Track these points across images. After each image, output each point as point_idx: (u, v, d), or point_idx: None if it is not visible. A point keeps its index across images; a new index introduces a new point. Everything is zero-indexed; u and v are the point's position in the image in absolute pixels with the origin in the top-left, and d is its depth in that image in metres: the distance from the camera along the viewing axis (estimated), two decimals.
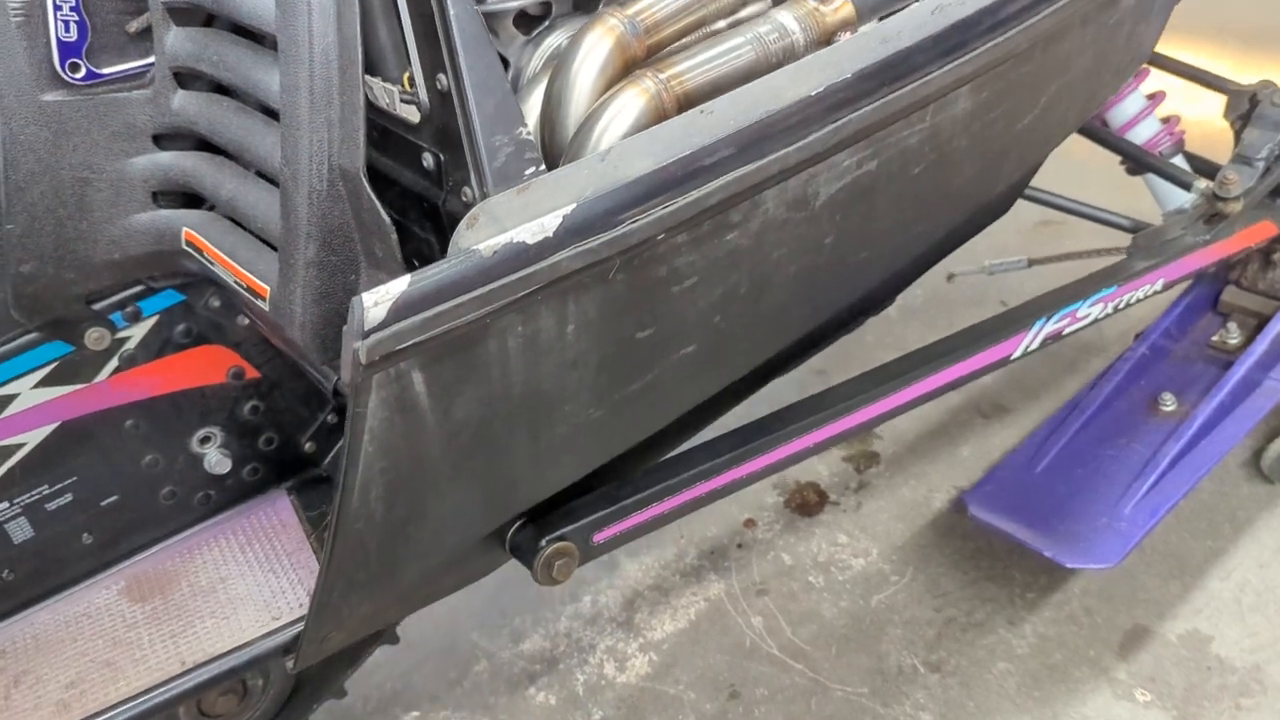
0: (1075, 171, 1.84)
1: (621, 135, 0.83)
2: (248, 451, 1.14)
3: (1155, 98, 1.53)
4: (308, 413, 1.15)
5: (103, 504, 1.06)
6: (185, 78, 0.91)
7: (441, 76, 0.76)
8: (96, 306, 0.99)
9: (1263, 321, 1.53)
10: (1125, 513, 1.39)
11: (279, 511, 1.13)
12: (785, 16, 0.92)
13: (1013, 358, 1.29)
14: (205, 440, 1.11)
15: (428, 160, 0.82)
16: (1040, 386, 1.99)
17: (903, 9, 0.93)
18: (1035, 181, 1.58)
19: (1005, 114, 1.04)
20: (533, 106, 0.90)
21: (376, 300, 0.71)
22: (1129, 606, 1.54)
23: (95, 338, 0.99)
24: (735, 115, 0.83)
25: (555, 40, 0.92)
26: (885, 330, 2.13)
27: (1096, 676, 1.46)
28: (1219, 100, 1.57)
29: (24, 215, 0.89)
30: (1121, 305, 1.38)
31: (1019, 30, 0.96)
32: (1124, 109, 1.53)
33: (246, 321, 1.08)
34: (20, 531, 1.02)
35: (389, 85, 0.83)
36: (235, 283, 0.88)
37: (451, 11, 0.73)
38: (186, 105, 0.90)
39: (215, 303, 1.05)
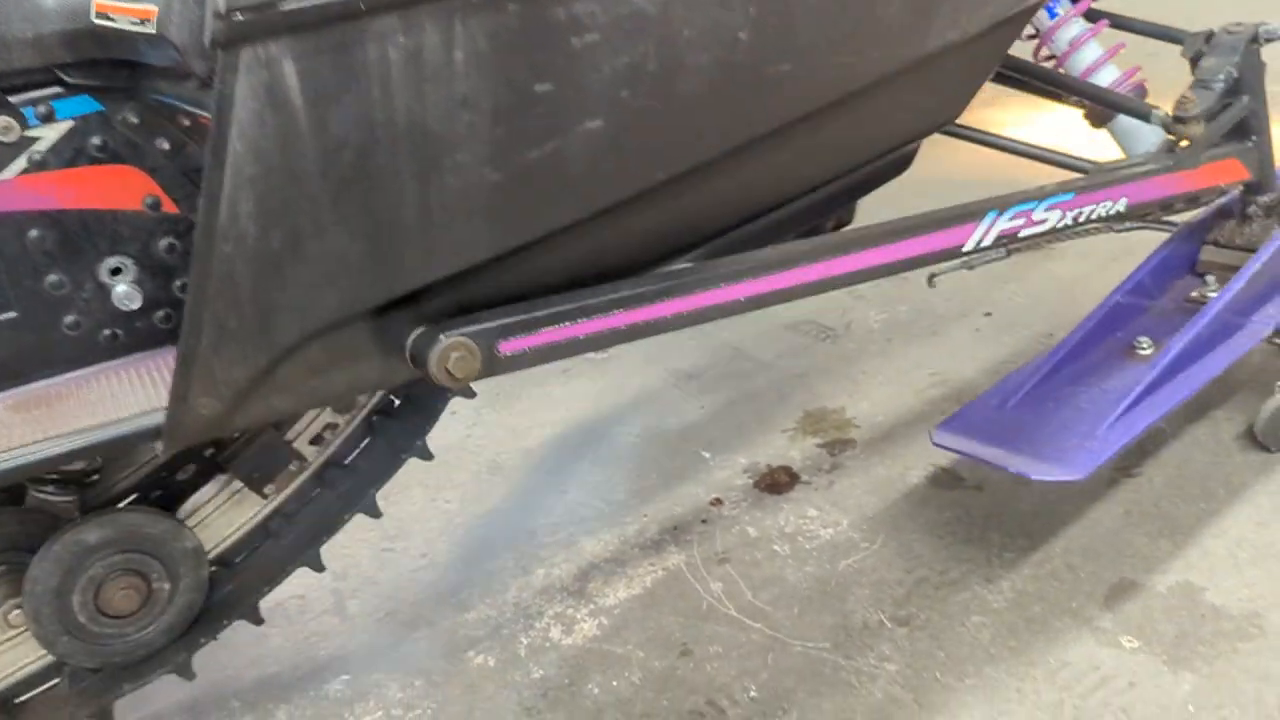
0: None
1: None
2: (161, 294, 1.10)
3: (1112, 48, 1.53)
4: None
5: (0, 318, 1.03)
6: None
7: None
8: (10, 99, 0.98)
9: None
10: (1097, 434, 1.30)
11: None
12: None
13: (964, 249, 1.25)
14: (116, 272, 1.08)
15: None
16: None
17: None
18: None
19: None
20: None
21: None
22: (1115, 562, 1.43)
23: (3, 126, 0.98)
24: None
25: None
26: (868, 339, 2.09)
27: (1079, 626, 1.34)
28: (1177, 72, 1.57)
29: None
30: (1081, 219, 1.34)
31: None
32: (1081, 57, 1.53)
33: (167, 147, 1.06)
34: None
35: None
36: (131, 24, 0.87)
37: None
38: None
39: (134, 119, 1.04)
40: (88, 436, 0.92)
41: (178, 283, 1.11)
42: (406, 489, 1.90)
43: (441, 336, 0.93)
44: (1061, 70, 1.55)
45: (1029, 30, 1.58)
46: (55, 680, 1.27)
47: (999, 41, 1.30)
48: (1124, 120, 1.53)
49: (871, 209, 1.35)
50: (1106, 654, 1.30)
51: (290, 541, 1.35)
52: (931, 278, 1.85)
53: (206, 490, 1.32)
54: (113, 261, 1.07)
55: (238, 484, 1.32)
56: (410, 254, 0.89)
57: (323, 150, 0.80)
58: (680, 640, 1.45)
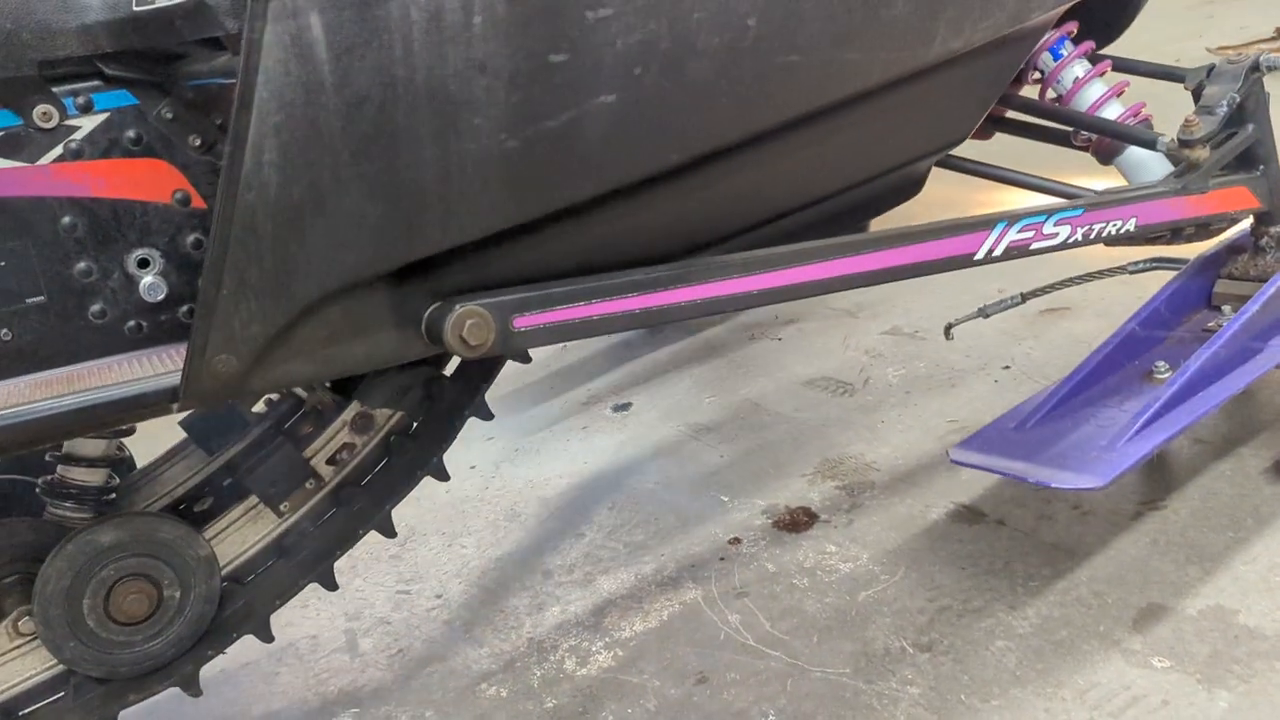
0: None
1: None
2: (185, 288, 1.13)
3: (1116, 86, 1.57)
4: None
5: (28, 301, 1.05)
6: None
7: None
8: (52, 88, 1.03)
9: None
10: (1117, 447, 1.29)
11: None
12: None
13: (975, 257, 1.26)
14: (143, 264, 1.10)
15: None
16: None
17: None
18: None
19: None
20: None
21: None
22: (1142, 588, 1.40)
23: (43, 113, 1.02)
24: None
25: None
26: (886, 393, 2.08)
27: (1107, 648, 1.30)
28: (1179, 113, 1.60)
29: None
30: (1092, 235, 1.35)
31: None
32: (1086, 94, 1.57)
33: (199, 143, 1.10)
34: None
35: None
36: (171, 3, 0.92)
37: None
38: None
39: (168, 115, 1.08)
40: (105, 393, 0.93)
41: (201, 278, 1.14)
42: (424, 536, 1.89)
43: (457, 306, 0.94)
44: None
45: (1034, 75, 1.63)
46: (60, 693, 1.24)
47: (1004, 63, 1.34)
48: (1131, 154, 1.55)
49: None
50: (1137, 674, 1.25)
51: (303, 558, 1.34)
52: (948, 328, 1.85)
53: (222, 512, 1.33)
54: (140, 253, 1.10)
55: (254, 501, 1.32)
56: (428, 217, 0.91)
57: (345, 103, 0.83)
58: (697, 669, 1.41)
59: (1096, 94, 1.56)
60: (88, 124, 1.05)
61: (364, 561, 1.82)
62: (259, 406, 1.39)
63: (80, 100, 1.05)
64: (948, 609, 1.43)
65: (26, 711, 1.23)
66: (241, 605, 1.30)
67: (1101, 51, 1.63)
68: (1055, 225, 1.31)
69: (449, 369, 1.39)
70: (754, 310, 2.53)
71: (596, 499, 1.91)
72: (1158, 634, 1.31)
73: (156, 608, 1.23)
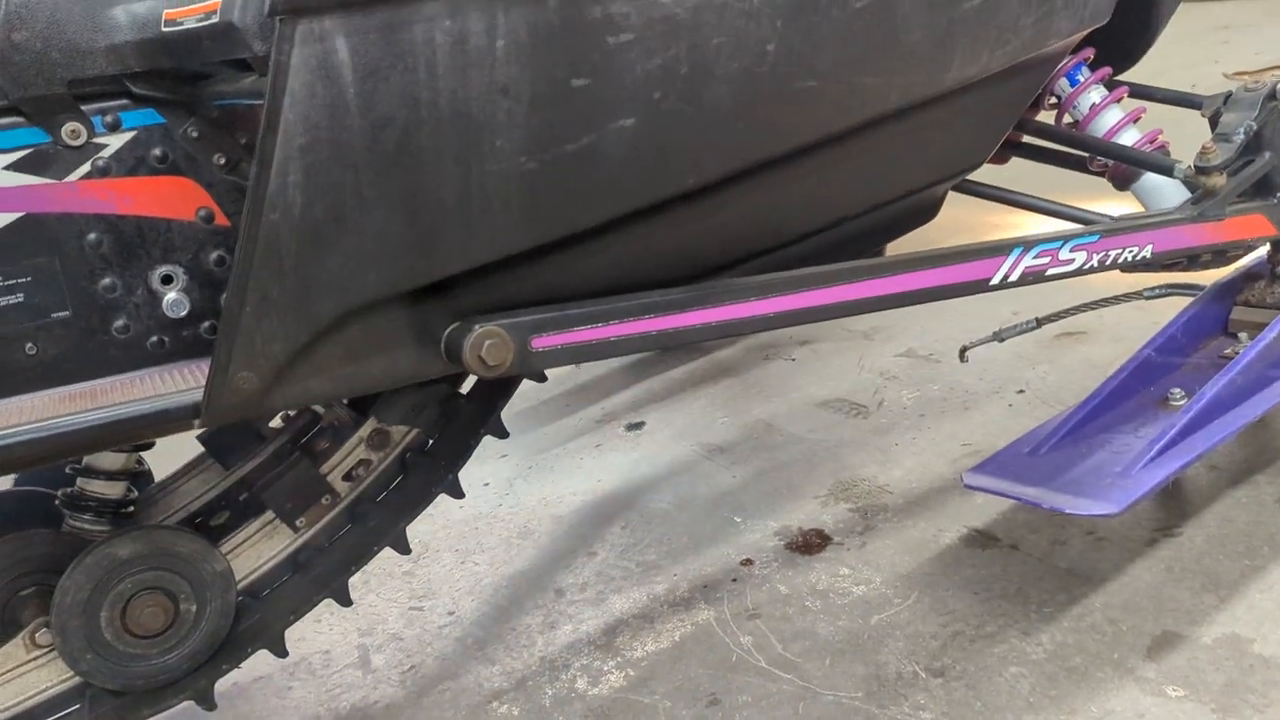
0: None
1: None
2: (208, 304, 1.14)
3: (1133, 112, 1.58)
4: None
5: (53, 316, 1.07)
6: None
7: None
8: (81, 107, 1.05)
9: None
10: (1132, 473, 1.29)
11: None
12: None
13: (991, 283, 1.26)
14: (167, 280, 1.12)
15: None
16: None
17: None
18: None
19: None
20: None
21: None
22: (1157, 616, 1.39)
23: (71, 131, 1.04)
24: None
25: None
26: (900, 415, 2.08)
27: (1121, 676, 1.30)
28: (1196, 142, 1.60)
29: None
30: (1108, 261, 1.35)
31: None
32: (1103, 120, 1.57)
33: (223, 161, 1.12)
34: None
35: None
36: (196, 22, 0.94)
37: None
38: None
39: (194, 133, 1.10)
40: (130, 408, 0.95)
41: (225, 294, 1.15)
42: (437, 552, 1.89)
43: (476, 326, 0.95)
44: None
45: (1051, 100, 1.63)
46: (75, 706, 1.25)
47: (1021, 89, 1.35)
48: (1148, 181, 1.56)
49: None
50: (1151, 702, 1.25)
51: (318, 573, 1.35)
52: (963, 352, 1.85)
53: (239, 527, 1.34)
54: (164, 269, 1.12)
55: (270, 516, 1.33)
56: (449, 237, 0.92)
57: (369, 125, 0.84)
58: (709, 690, 1.41)
59: (1113, 120, 1.57)
60: (115, 142, 1.07)
61: (377, 577, 1.83)
62: (276, 422, 1.40)
63: (108, 118, 1.07)
64: (961, 634, 1.42)
65: None
66: (256, 620, 1.31)
67: (1118, 77, 1.64)
68: (1071, 251, 1.32)
69: (465, 387, 1.40)
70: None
71: (609, 517, 1.91)
72: (1172, 662, 1.30)
73: (173, 621, 1.24)
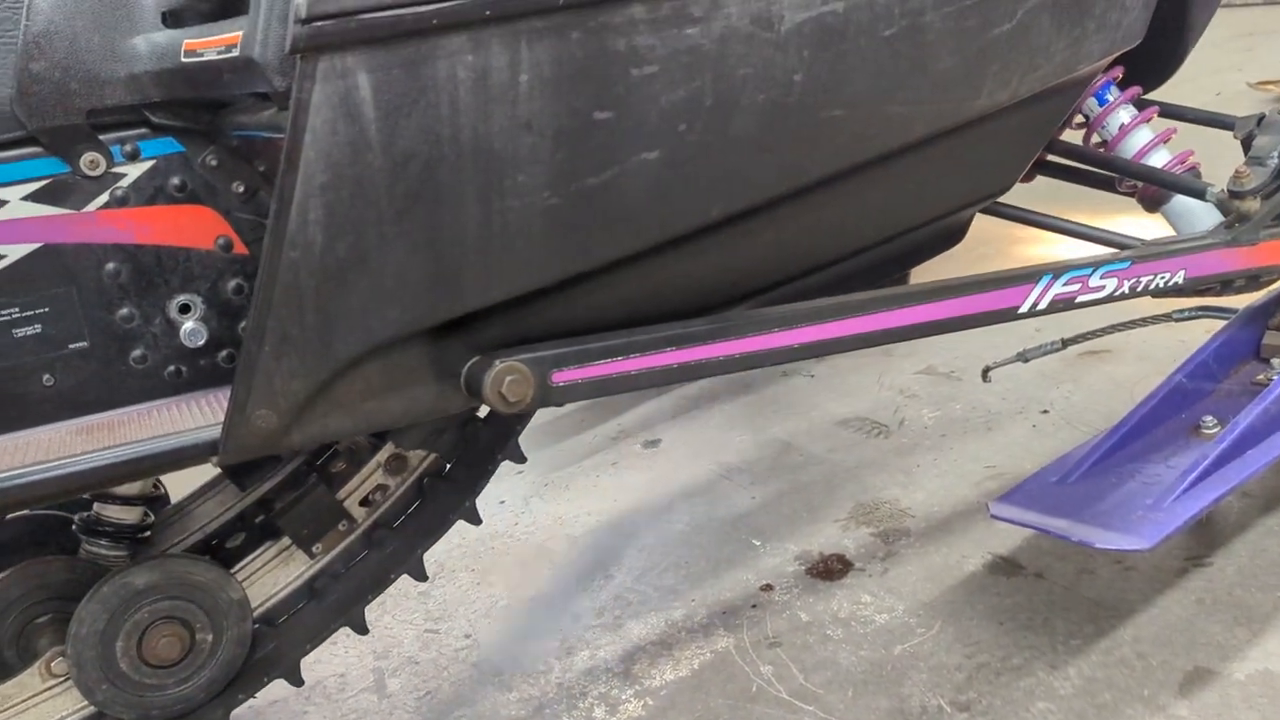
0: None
1: None
2: (225, 333, 1.13)
3: (1163, 133, 1.55)
4: None
5: (71, 346, 1.06)
6: None
7: None
8: (100, 137, 1.04)
9: None
10: (1164, 506, 1.26)
11: None
12: None
13: (1020, 310, 1.24)
14: (185, 309, 1.11)
15: None
16: None
17: None
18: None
19: (978, 11, 1.08)
20: None
21: None
22: (1188, 650, 1.36)
23: (90, 161, 1.03)
24: None
25: None
26: (922, 435, 2.06)
27: (1153, 714, 1.27)
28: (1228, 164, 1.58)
29: (43, 17, 0.97)
30: (1139, 288, 1.33)
31: None
32: (1133, 140, 1.55)
33: (242, 189, 1.11)
34: None
35: None
36: (215, 55, 0.92)
37: None
38: None
39: (212, 161, 1.09)
40: (149, 446, 0.93)
41: (243, 324, 1.14)
42: (453, 573, 1.88)
43: (496, 362, 0.94)
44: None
45: (1079, 119, 1.61)
46: None
47: (1050, 113, 1.33)
48: (1179, 203, 1.53)
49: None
50: None
51: (334, 601, 1.34)
52: (986, 371, 1.83)
53: (256, 550, 1.32)
54: (182, 299, 1.11)
55: (286, 542, 1.32)
56: (470, 273, 0.90)
57: (390, 162, 0.83)
58: None
59: (1143, 140, 1.54)
60: (134, 171, 1.06)
61: (392, 597, 1.81)
62: None
63: (127, 148, 1.06)
64: (986, 666, 1.40)
65: None
66: (273, 648, 1.30)
67: (1148, 96, 1.61)
68: (1101, 278, 1.29)
69: (483, 411, 1.39)
70: None
71: (626, 539, 1.89)
72: (1204, 700, 1.28)
73: (189, 650, 1.22)
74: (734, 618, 1.60)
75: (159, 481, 1.38)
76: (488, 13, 0.81)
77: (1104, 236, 1.50)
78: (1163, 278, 1.35)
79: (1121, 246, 1.45)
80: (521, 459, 1.42)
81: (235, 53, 0.88)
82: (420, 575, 1.37)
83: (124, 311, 1.08)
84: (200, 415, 1.02)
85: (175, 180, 1.08)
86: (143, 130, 1.06)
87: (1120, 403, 2.06)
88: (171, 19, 1.03)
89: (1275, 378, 1.46)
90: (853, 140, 1.06)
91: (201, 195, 1.10)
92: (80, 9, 0.99)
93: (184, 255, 1.10)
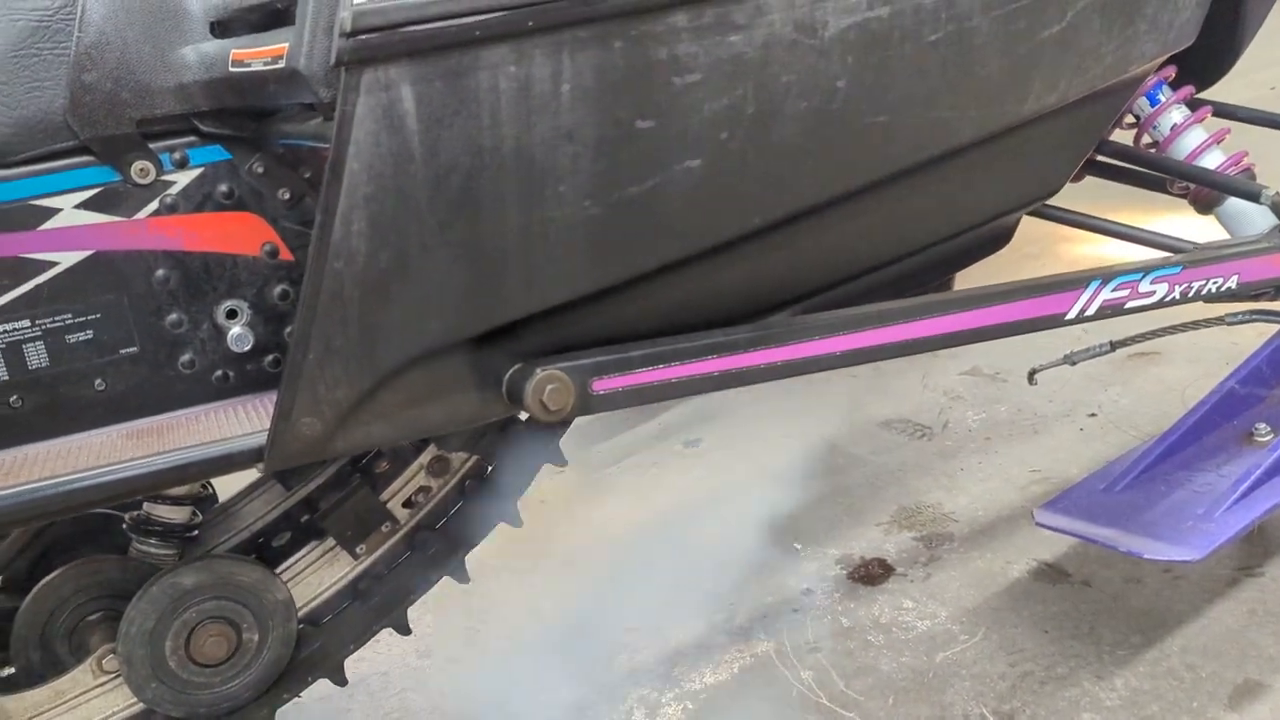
0: None
1: None
2: (272, 339, 1.15)
3: (1217, 133, 1.52)
4: None
5: (121, 352, 1.07)
6: None
7: None
8: (150, 145, 1.05)
9: None
10: (1215, 516, 1.24)
11: None
12: None
13: (1067, 317, 1.22)
14: (232, 315, 1.12)
15: None
16: None
17: None
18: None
19: (1027, 12, 1.06)
20: None
21: None
22: (1239, 663, 1.34)
23: (140, 169, 1.05)
24: None
25: None
26: (966, 438, 2.04)
27: None
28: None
29: (94, 29, 0.99)
30: (1190, 293, 1.30)
31: None
32: (1185, 141, 1.51)
33: (288, 196, 1.12)
34: (36, 357, 1.03)
35: None
36: (262, 65, 0.93)
37: None
38: None
39: (259, 168, 1.10)
40: (195, 452, 0.95)
41: (288, 329, 1.16)
42: (495, 572, 1.89)
43: (537, 370, 0.94)
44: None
45: (1129, 119, 1.58)
46: None
47: (1099, 115, 1.30)
48: (1232, 204, 1.50)
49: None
50: None
51: (378, 602, 1.35)
52: (1032, 374, 1.80)
53: (301, 549, 1.34)
54: (229, 304, 1.12)
55: (331, 542, 1.33)
56: (512, 283, 0.91)
57: (433, 173, 0.83)
58: None
59: (1195, 141, 1.51)
60: (183, 179, 1.08)
61: (434, 596, 1.81)
62: None
63: (176, 155, 1.07)
64: (1030, 675, 1.38)
65: None
66: (317, 648, 1.31)
67: (1201, 95, 1.58)
68: (1152, 283, 1.27)
69: (524, 414, 1.39)
70: None
71: (667, 540, 1.89)
72: (1255, 713, 1.25)
73: (235, 650, 1.24)
74: (774, 622, 1.60)
75: (207, 481, 1.40)
76: (530, 24, 0.81)
77: (1154, 239, 1.47)
78: (1215, 283, 1.32)
79: (1172, 249, 1.42)
80: (563, 462, 1.42)
81: (281, 64, 0.89)
82: (463, 578, 1.38)
83: (173, 317, 1.09)
84: (246, 422, 1.04)
85: (223, 187, 1.09)
86: (191, 138, 1.07)
87: (1170, 406, 2.03)
88: (219, 29, 1.04)
89: None
90: (896, 146, 1.05)
91: (248, 202, 1.11)
92: (131, 20, 1.00)
93: (231, 261, 1.11)
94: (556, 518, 2.04)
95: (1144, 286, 1.27)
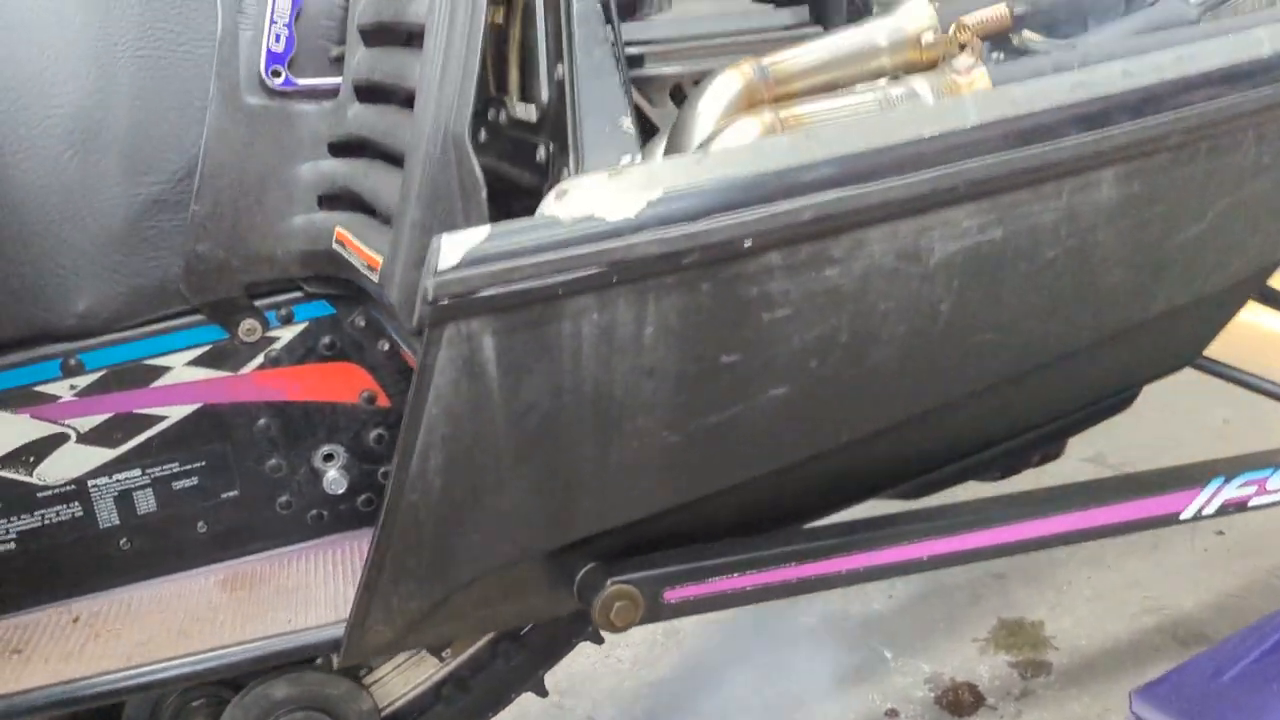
0: None
1: None
2: (366, 480, 1.18)
3: None
4: None
5: (223, 496, 1.12)
6: (364, 93, 1.03)
7: (560, 66, 0.82)
8: (256, 302, 1.09)
9: None
10: None
11: None
12: (919, 82, 0.94)
13: (1182, 516, 1.15)
14: (328, 458, 1.16)
15: (540, 154, 0.87)
16: (1253, 618, 1.73)
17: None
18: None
19: (1160, 218, 0.99)
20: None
21: (452, 243, 0.75)
22: None
23: (248, 329, 1.08)
24: (843, 141, 0.84)
25: None
26: (1078, 547, 1.95)
27: None
28: None
29: (209, 200, 1.02)
30: None
31: (1168, 120, 0.92)
32: None
33: (387, 347, 1.14)
34: (145, 503, 1.09)
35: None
36: (360, 264, 0.95)
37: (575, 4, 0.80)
38: (361, 115, 1.01)
39: (361, 322, 1.13)
40: (280, 642, 0.99)
41: (382, 470, 1.19)
42: (579, 649, 1.91)
43: (609, 582, 0.94)
44: None
45: None
46: None
47: (1243, 293, 1.21)
48: None
49: None
50: None
51: (460, 709, 1.39)
52: None
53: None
54: (326, 449, 1.16)
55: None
56: (585, 506, 0.91)
57: (511, 414, 0.83)
58: None
59: None
60: (287, 334, 1.11)
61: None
62: None
63: (282, 312, 1.11)
64: None
65: None
66: None
67: None
68: None
69: None
70: None
71: (755, 631, 1.88)
72: None
73: None
74: None
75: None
76: (615, 280, 0.79)
77: None
78: None
79: None
80: None
81: (375, 276, 0.90)
82: (541, 691, 1.41)
83: (272, 462, 1.14)
84: (332, 583, 1.07)
85: (325, 340, 1.12)
86: (297, 294, 1.10)
87: None
88: (326, 202, 1.06)
89: None
90: (1002, 360, 1.00)
91: (349, 353, 1.14)
92: (246, 190, 1.03)
93: (330, 409, 1.14)
94: None
95: (1273, 483, 1.18)
